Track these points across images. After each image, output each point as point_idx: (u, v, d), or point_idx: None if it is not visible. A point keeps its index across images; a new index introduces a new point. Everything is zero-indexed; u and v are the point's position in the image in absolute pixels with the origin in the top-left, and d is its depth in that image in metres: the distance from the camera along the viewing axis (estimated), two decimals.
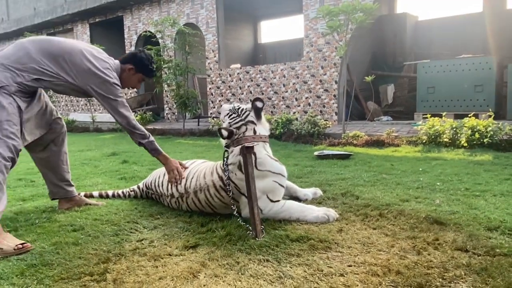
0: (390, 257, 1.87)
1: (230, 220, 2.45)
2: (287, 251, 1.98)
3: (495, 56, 7.46)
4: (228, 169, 2.50)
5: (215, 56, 10.93)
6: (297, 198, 2.90)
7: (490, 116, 5.63)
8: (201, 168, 2.77)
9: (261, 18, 15.37)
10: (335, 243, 2.06)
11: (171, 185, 2.79)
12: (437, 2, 12.24)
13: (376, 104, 9.42)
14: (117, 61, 2.71)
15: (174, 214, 2.69)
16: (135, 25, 12.78)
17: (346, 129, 6.86)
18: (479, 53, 8.03)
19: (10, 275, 1.81)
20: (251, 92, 10.19)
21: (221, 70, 10.84)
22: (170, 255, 2.00)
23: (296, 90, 9.34)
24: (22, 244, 2.10)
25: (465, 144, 5.27)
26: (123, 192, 3.22)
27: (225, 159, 2.53)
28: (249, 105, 2.66)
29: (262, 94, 9.94)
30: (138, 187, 3.18)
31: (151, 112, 12.07)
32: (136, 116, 11.21)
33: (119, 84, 2.60)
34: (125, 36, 13.12)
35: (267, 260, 1.89)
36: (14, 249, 2.06)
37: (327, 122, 7.38)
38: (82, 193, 3.15)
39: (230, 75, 10.62)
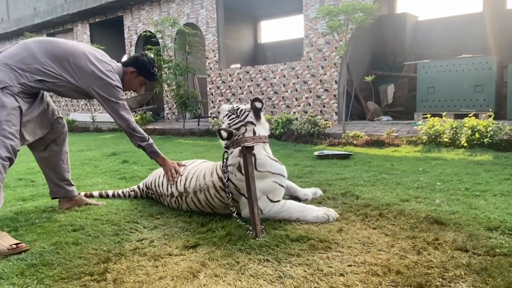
0: (390, 257, 1.87)
1: (230, 220, 2.45)
2: (287, 251, 1.98)
3: (495, 56, 7.46)
4: (227, 171, 2.50)
5: (215, 56, 10.93)
6: (297, 198, 2.90)
7: (490, 116, 5.63)
8: (200, 168, 2.77)
9: (261, 18, 15.37)
10: (335, 243, 2.06)
11: (170, 184, 2.80)
12: (437, 2, 12.25)
13: (376, 104, 9.42)
14: (119, 64, 2.75)
15: (174, 214, 2.69)
16: (135, 25, 12.78)
17: (346, 129, 6.86)
18: (479, 53, 8.03)
19: (10, 275, 1.81)
20: (251, 92, 10.19)
21: (221, 70, 10.84)
22: (170, 255, 2.00)
23: (296, 90, 9.35)
24: (16, 244, 2.10)
25: (465, 144, 5.27)
26: (123, 192, 3.22)
27: (224, 160, 2.53)
28: (248, 106, 2.65)
29: (262, 94, 9.94)
30: (138, 187, 3.18)
31: (151, 112, 12.07)
32: (136, 116, 11.22)
33: (121, 87, 2.64)
34: (125, 36, 13.12)
35: (267, 260, 1.89)
36: (8, 249, 2.06)
37: (327, 122, 7.38)
38: (82, 193, 3.15)
39: (230, 75, 10.62)
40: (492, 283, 1.60)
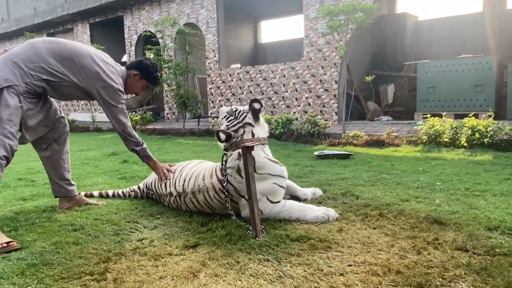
0: (390, 256, 1.88)
1: (230, 220, 2.45)
2: (287, 251, 1.98)
3: (495, 56, 7.46)
4: (226, 174, 2.49)
5: (215, 56, 10.93)
6: (296, 198, 2.90)
7: (490, 116, 5.64)
8: (199, 169, 2.77)
9: (261, 18, 15.36)
10: (335, 242, 2.06)
11: (169, 183, 2.82)
12: (437, 2, 12.26)
13: (376, 104, 9.42)
14: (123, 67, 2.79)
15: (174, 213, 2.69)
16: (135, 25, 12.78)
17: (346, 129, 6.86)
18: (479, 53, 8.03)
19: (10, 275, 1.81)
20: (251, 92, 10.19)
21: (221, 70, 10.84)
22: (170, 254, 2.00)
23: (296, 90, 9.35)
24: (7, 242, 2.11)
25: (465, 144, 5.28)
26: (123, 192, 3.23)
27: (223, 162, 2.52)
28: (246, 107, 2.63)
29: (262, 94, 9.95)
30: (139, 188, 3.18)
31: (151, 112, 12.08)
32: (136, 116, 11.22)
33: (123, 90, 2.69)
34: (125, 36, 13.12)
35: (267, 260, 1.89)
36: None
37: (327, 122, 7.38)
38: (83, 193, 3.15)
39: (230, 75, 10.63)
40: (492, 283, 1.60)
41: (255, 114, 2.58)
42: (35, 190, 3.56)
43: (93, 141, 8.24)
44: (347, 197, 2.95)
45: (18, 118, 2.33)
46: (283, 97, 9.61)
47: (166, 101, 12.16)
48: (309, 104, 9.14)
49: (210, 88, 11.11)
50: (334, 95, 8.73)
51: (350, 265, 1.81)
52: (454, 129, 5.53)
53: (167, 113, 12.26)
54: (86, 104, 14.54)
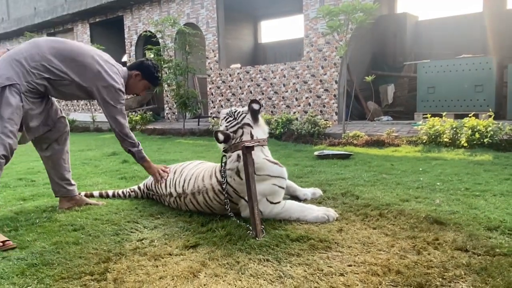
0: (390, 256, 1.88)
1: (230, 220, 2.45)
2: (287, 251, 1.98)
3: (495, 56, 7.46)
4: (225, 175, 2.49)
5: (215, 56, 10.93)
6: (296, 198, 2.90)
7: (490, 116, 5.64)
8: (199, 170, 2.77)
9: (261, 18, 15.37)
10: (335, 243, 2.06)
11: (167, 184, 2.83)
12: (437, 2, 12.26)
13: (376, 104, 9.42)
14: (125, 68, 2.82)
15: (174, 213, 2.69)
16: (135, 25, 12.78)
17: (346, 129, 6.86)
18: (479, 53, 8.03)
19: (10, 275, 1.81)
20: (251, 92, 10.19)
21: (221, 70, 10.84)
22: (171, 254, 2.00)
23: (296, 90, 9.35)
24: (3, 241, 2.11)
25: (465, 144, 5.28)
26: (123, 192, 3.23)
27: (223, 164, 2.52)
28: (246, 108, 2.63)
29: (262, 94, 9.95)
30: (139, 188, 3.18)
31: (151, 112, 12.08)
32: (136, 116, 11.23)
33: (124, 91, 2.71)
34: (125, 36, 13.12)
35: (267, 260, 1.89)
36: None
37: (327, 122, 7.38)
38: (83, 193, 3.15)
39: (230, 75, 10.63)
40: (492, 283, 1.60)
41: (254, 114, 2.57)
42: (35, 190, 3.56)
43: (93, 141, 8.24)
44: (347, 197, 2.96)
45: (19, 117, 2.34)
46: (283, 97, 9.61)
47: (166, 101, 12.16)
48: (309, 104, 9.14)
49: (210, 88, 11.12)
50: (334, 95, 8.73)
51: (350, 265, 1.81)
52: (454, 129, 5.53)
53: (167, 113, 12.26)
54: (86, 104, 14.55)
